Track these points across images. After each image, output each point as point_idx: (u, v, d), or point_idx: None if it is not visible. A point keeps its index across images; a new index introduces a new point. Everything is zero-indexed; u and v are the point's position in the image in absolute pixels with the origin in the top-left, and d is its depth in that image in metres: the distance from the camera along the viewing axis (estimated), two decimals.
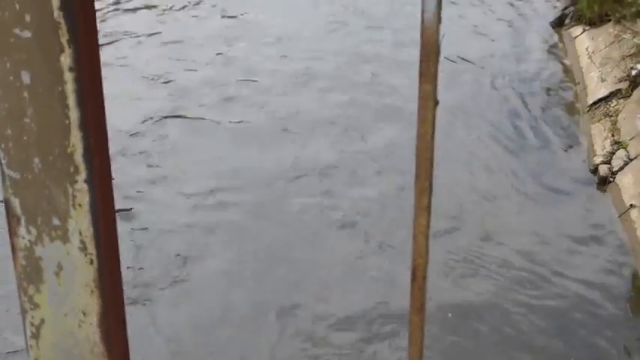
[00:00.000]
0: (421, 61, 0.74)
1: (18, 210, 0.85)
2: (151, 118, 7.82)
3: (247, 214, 6.57)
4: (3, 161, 0.84)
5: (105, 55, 8.10)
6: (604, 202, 6.87)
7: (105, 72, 1.01)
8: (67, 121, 0.82)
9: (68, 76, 0.81)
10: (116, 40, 9.16)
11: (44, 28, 0.80)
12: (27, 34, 0.80)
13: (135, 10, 9.97)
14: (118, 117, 7.24)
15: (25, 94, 0.82)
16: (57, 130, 0.82)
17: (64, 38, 0.80)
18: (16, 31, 0.80)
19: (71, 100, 0.81)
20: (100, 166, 0.85)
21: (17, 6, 0.79)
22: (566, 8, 9.75)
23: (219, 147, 7.43)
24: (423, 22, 0.73)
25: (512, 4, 10.17)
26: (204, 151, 7.38)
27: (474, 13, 9.81)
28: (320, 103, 8.11)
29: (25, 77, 0.81)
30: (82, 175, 0.83)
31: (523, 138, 7.82)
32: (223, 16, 9.84)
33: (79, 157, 0.82)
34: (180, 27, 9.57)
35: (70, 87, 0.81)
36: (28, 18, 0.79)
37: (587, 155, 7.47)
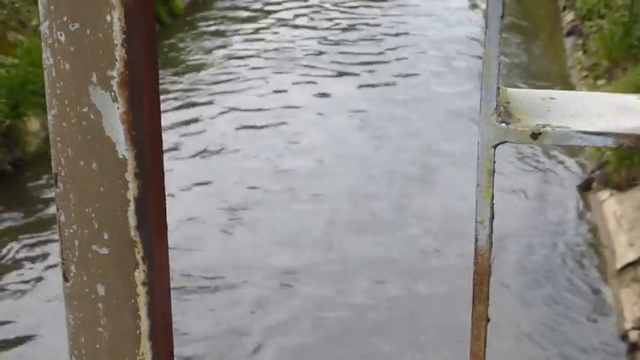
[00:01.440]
0: (474, 285, 0.79)
1: None
2: None
3: None
4: None
5: None
6: None
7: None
8: (137, 332, 0.87)
9: (141, 290, 0.86)
10: None
11: (121, 246, 0.85)
12: (104, 250, 0.86)
13: None
14: None
15: (100, 305, 0.87)
16: (128, 340, 0.87)
17: (139, 255, 0.85)
18: (95, 247, 0.86)
19: (143, 312, 0.86)
20: None
21: (96, 225, 0.85)
22: (593, 172, 9.87)
23: None
24: (476, 249, 0.78)
25: (537, 167, 10.31)
26: None
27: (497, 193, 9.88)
28: None
29: (101, 290, 0.87)
30: None
31: (551, 302, 7.81)
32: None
33: None
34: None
35: (142, 300, 0.86)
36: (106, 236, 0.85)
37: (617, 321, 7.44)
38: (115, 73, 0.79)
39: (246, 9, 15.88)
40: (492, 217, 0.77)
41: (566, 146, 9.09)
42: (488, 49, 0.73)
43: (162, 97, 10.44)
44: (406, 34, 14.32)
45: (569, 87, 12.57)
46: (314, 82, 12.46)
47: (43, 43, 0.80)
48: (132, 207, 0.84)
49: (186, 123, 11.21)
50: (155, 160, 0.84)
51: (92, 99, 0.80)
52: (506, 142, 0.76)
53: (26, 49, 11.53)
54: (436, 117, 11.38)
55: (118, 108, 0.80)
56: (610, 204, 9.24)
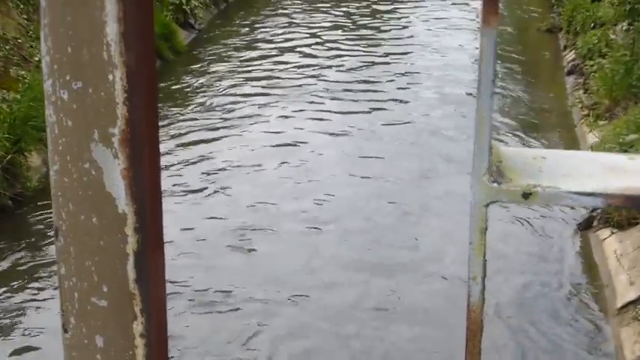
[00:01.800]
0: (467, 340, 0.80)
1: None
2: None
3: None
4: None
5: None
6: None
7: None
8: None
9: (139, 342, 0.88)
10: None
11: (120, 298, 0.87)
12: (103, 302, 0.87)
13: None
14: None
15: (99, 357, 0.88)
16: None
17: (138, 307, 0.87)
18: (94, 299, 0.87)
19: None
20: None
21: (96, 277, 0.86)
22: (593, 210, 9.87)
23: None
24: (468, 305, 0.79)
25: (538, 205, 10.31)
26: None
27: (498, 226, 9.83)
28: None
29: (99, 341, 0.88)
30: None
31: (552, 340, 7.80)
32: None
33: None
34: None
35: (140, 352, 0.88)
36: (105, 289, 0.87)
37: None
38: (116, 131, 0.81)
39: (250, 46, 15.96)
40: (484, 274, 0.78)
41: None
42: (480, 111, 0.75)
43: (162, 131, 10.43)
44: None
45: (570, 125, 12.61)
46: (320, 119, 12.50)
47: (46, 101, 0.82)
48: (131, 260, 0.85)
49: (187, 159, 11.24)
50: (155, 214, 0.85)
51: (94, 155, 0.82)
52: (497, 201, 0.77)
53: (28, 84, 11.58)
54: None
55: (118, 164, 0.82)
56: (610, 242, 9.24)
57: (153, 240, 0.86)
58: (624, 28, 13.35)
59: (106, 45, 0.79)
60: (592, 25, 14.89)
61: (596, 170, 0.79)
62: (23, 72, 12.11)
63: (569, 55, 15.03)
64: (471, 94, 13.08)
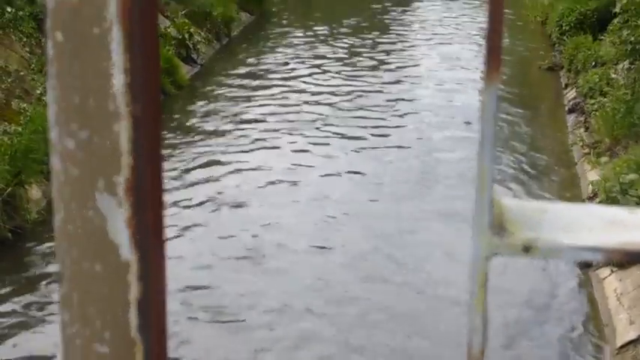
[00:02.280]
0: None
1: None
2: None
3: None
4: None
5: None
6: None
7: None
8: None
9: None
10: None
11: (121, 345, 0.87)
12: (105, 349, 0.88)
13: None
14: None
15: None
16: None
17: (139, 354, 0.87)
18: (96, 346, 0.88)
19: None
20: None
21: (98, 324, 0.87)
22: None
23: None
24: (469, 357, 0.80)
25: None
26: None
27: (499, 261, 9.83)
28: None
29: None
30: None
31: None
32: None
33: None
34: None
35: None
36: (107, 335, 0.87)
37: None
38: (121, 179, 0.82)
39: (251, 81, 16.02)
40: (485, 326, 0.79)
41: None
42: (481, 164, 0.76)
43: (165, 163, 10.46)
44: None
45: (571, 163, 12.63)
46: (321, 155, 12.53)
47: (51, 149, 0.83)
48: (134, 308, 0.86)
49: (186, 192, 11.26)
50: (158, 262, 0.86)
51: (98, 204, 0.82)
52: (498, 254, 0.78)
53: (30, 117, 11.62)
54: None
55: (122, 213, 0.82)
56: (611, 281, 9.24)
57: (156, 287, 0.87)
58: (626, 67, 13.42)
59: (112, 96, 0.80)
60: (593, 63, 14.97)
61: (596, 224, 0.80)
62: (25, 105, 12.16)
63: (571, 94, 15.09)
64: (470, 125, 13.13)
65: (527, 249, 0.77)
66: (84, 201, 0.82)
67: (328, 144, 12.95)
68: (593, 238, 0.77)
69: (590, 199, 11.42)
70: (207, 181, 11.65)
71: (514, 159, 12.70)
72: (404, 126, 13.82)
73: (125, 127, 0.80)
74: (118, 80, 0.79)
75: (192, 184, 11.54)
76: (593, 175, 11.67)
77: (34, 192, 10.81)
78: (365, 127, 13.68)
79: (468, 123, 13.75)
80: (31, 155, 10.78)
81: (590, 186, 11.53)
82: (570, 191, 11.91)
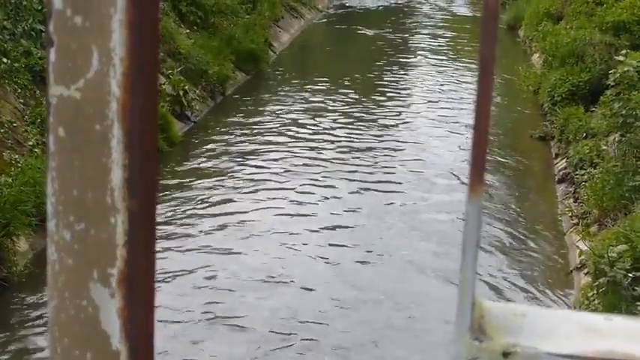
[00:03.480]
0: None
1: None
2: None
3: None
4: None
5: None
6: None
7: None
8: None
9: None
10: None
11: None
12: None
13: None
14: None
15: None
16: None
17: None
18: None
19: None
20: None
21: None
22: None
23: None
24: None
25: None
26: None
27: None
28: None
29: None
30: None
31: None
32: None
33: None
34: None
35: None
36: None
37: None
38: (114, 271, 0.84)
39: (244, 139, 16.09)
40: None
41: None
42: (464, 271, 0.78)
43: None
44: None
45: (560, 234, 12.67)
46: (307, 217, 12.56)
47: (48, 239, 0.85)
48: None
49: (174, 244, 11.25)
50: (147, 352, 0.88)
51: (91, 294, 0.85)
52: (478, 358, 0.80)
53: (21, 168, 11.63)
54: None
55: (115, 304, 0.85)
56: None
57: None
58: (616, 139, 13.51)
59: (110, 190, 0.82)
60: (584, 134, 15.07)
61: (574, 331, 0.82)
62: (16, 156, 12.18)
63: (561, 164, 15.17)
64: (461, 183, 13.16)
65: (506, 354, 0.79)
66: (78, 291, 0.85)
67: (318, 204, 12.99)
68: (571, 345, 0.80)
69: (578, 269, 11.44)
70: (188, 237, 11.63)
71: (503, 227, 12.74)
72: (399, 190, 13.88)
73: (121, 221, 0.83)
74: (117, 175, 0.82)
75: (177, 239, 11.52)
76: (581, 246, 11.70)
77: (22, 244, 10.79)
78: (360, 188, 13.73)
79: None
80: (20, 207, 10.78)
81: (579, 257, 11.56)
82: (558, 262, 11.94)
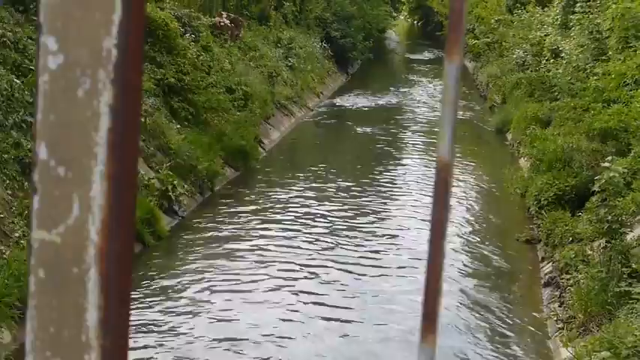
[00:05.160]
0: None
1: None
2: None
3: None
4: None
5: None
6: None
7: None
8: None
9: None
10: None
11: None
12: None
13: None
14: None
15: None
16: None
17: None
18: None
19: None
20: None
21: None
22: None
23: None
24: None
25: None
26: None
27: None
28: None
29: None
30: None
31: None
32: None
33: None
34: None
35: None
36: None
37: None
38: None
39: (231, 235, 16.11)
40: None
41: None
42: None
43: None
44: None
45: (545, 338, 12.65)
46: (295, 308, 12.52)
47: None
48: None
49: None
50: None
51: None
52: None
53: (7, 260, 11.61)
54: None
55: None
56: None
57: None
58: (602, 245, 13.58)
59: (85, 329, 0.87)
60: (570, 239, 15.14)
61: None
62: (2, 247, 12.16)
63: (547, 267, 15.21)
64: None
65: None
66: None
67: (303, 301, 12.97)
68: None
69: None
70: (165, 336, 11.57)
71: (487, 331, 12.71)
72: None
73: (95, 358, 0.87)
74: (92, 316, 0.86)
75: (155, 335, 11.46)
76: (566, 352, 11.68)
77: (5, 336, 10.72)
78: (342, 291, 13.72)
79: None
80: (3, 299, 10.73)
81: None
82: None
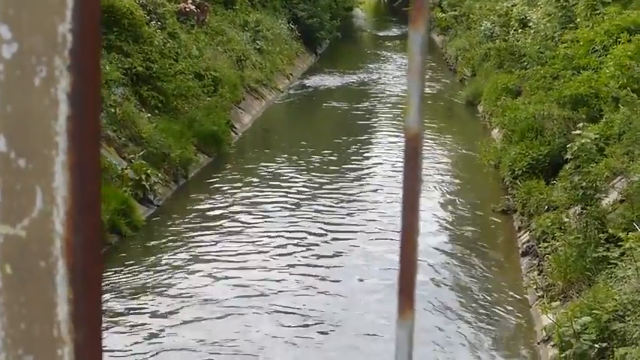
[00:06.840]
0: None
1: None
2: None
3: None
4: None
5: None
6: None
7: None
8: None
9: None
10: None
11: None
12: None
13: None
14: None
15: None
16: None
17: None
18: None
19: None
20: None
21: None
22: None
23: None
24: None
25: None
26: None
27: None
28: None
29: None
30: None
31: None
32: None
33: None
34: None
35: None
36: None
37: None
38: None
39: (206, 222, 16.08)
40: None
41: None
42: None
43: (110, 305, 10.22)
44: None
45: (525, 307, 12.71)
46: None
47: None
48: None
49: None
50: None
51: None
52: None
53: None
54: None
55: None
56: None
57: None
58: (577, 212, 13.64)
59: (56, 323, 0.85)
60: (546, 207, 15.19)
61: None
62: None
63: (524, 237, 15.27)
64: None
65: None
66: None
67: (279, 295, 12.99)
68: None
69: (545, 342, 11.46)
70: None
71: (468, 302, 12.76)
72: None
73: (67, 353, 0.85)
74: (63, 310, 0.84)
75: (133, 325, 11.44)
76: (547, 319, 11.74)
77: None
78: (315, 274, 13.75)
79: None
80: None
81: (545, 330, 11.59)
82: (525, 335, 11.96)
